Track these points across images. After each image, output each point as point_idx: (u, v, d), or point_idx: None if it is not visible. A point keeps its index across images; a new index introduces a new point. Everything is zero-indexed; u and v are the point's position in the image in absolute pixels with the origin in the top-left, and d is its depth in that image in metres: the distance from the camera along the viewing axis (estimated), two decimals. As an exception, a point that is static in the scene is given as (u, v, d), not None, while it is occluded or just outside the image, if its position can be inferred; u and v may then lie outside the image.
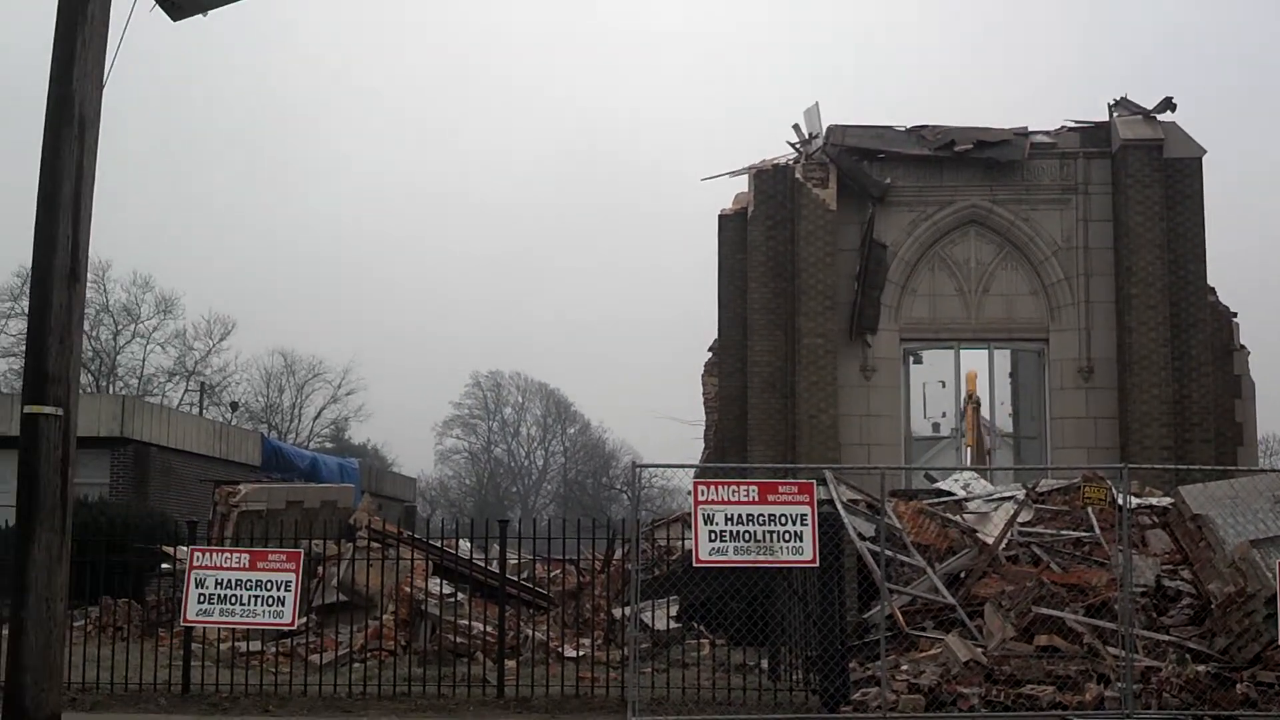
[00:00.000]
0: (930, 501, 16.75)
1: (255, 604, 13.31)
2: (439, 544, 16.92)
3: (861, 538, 14.27)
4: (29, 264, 10.70)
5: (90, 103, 10.68)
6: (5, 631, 10.86)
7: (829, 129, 23.52)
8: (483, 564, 16.60)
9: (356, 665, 14.50)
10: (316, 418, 73.06)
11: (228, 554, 13.82)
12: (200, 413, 54.95)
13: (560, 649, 14.74)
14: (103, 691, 13.25)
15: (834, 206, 22.76)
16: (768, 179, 23.32)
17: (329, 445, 67.39)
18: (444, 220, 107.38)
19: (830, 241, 22.69)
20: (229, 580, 13.35)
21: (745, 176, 23.87)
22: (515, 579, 16.45)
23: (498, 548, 14.71)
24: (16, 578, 10.27)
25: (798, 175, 22.95)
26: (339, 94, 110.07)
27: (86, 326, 48.86)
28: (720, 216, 24.14)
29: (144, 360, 65.21)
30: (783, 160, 23.59)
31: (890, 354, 23.06)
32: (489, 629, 15.04)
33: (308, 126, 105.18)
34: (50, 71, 10.62)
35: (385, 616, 15.77)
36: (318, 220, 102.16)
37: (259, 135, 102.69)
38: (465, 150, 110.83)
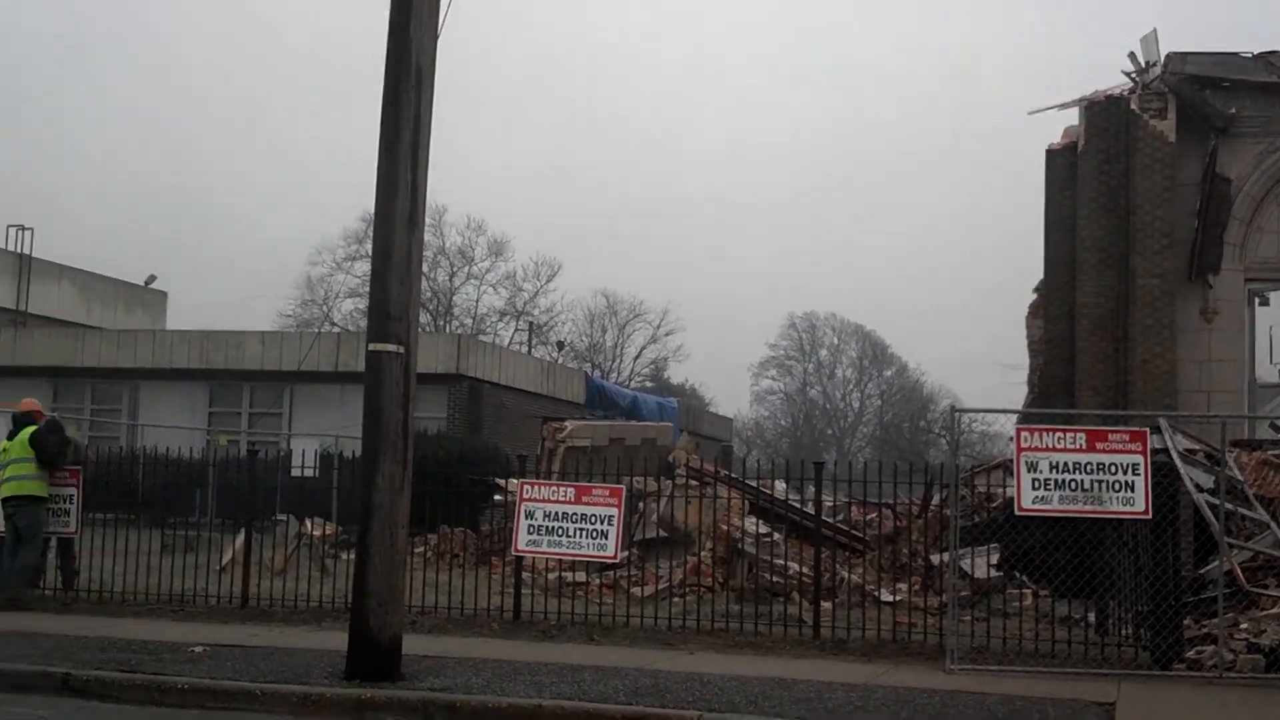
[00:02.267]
0: (1276, 452, 15.71)
1: (580, 536, 13.79)
2: (755, 484, 17.07)
3: (1199, 489, 13.52)
4: (373, 209, 11.30)
5: (426, 53, 11.12)
6: (352, 556, 11.65)
7: (1168, 57, 22.15)
8: (798, 505, 16.64)
9: (675, 599, 14.83)
10: (637, 357, 74.86)
11: (555, 487, 14.37)
12: (529, 351, 57.13)
13: (876, 593, 14.66)
14: (440, 615, 14.03)
15: (1173, 139, 21.47)
16: (1100, 111, 22.18)
17: (649, 384, 68.93)
18: (761, 162, 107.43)
19: (1168, 176, 21.43)
20: (556, 513, 13.87)
21: (1075, 109, 22.78)
22: (830, 521, 16.42)
23: (813, 489, 14.73)
24: (362, 505, 10.96)
25: (1133, 106, 21.74)
26: (663, 44, 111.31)
27: (425, 268, 51.48)
28: (1048, 151, 23.17)
29: (477, 301, 68.35)
30: (1117, 91, 22.39)
31: (1233, 295, 21.67)
32: (804, 570, 15.10)
33: (627, 72, 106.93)
34: (389, 24, 11.12)
35: (703, 553, 16.06)
36: (640, 162, 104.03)
37: (583, 82, 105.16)
38: (776, 92, 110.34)
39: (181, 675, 10.67)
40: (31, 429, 15.17)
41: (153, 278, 57.00)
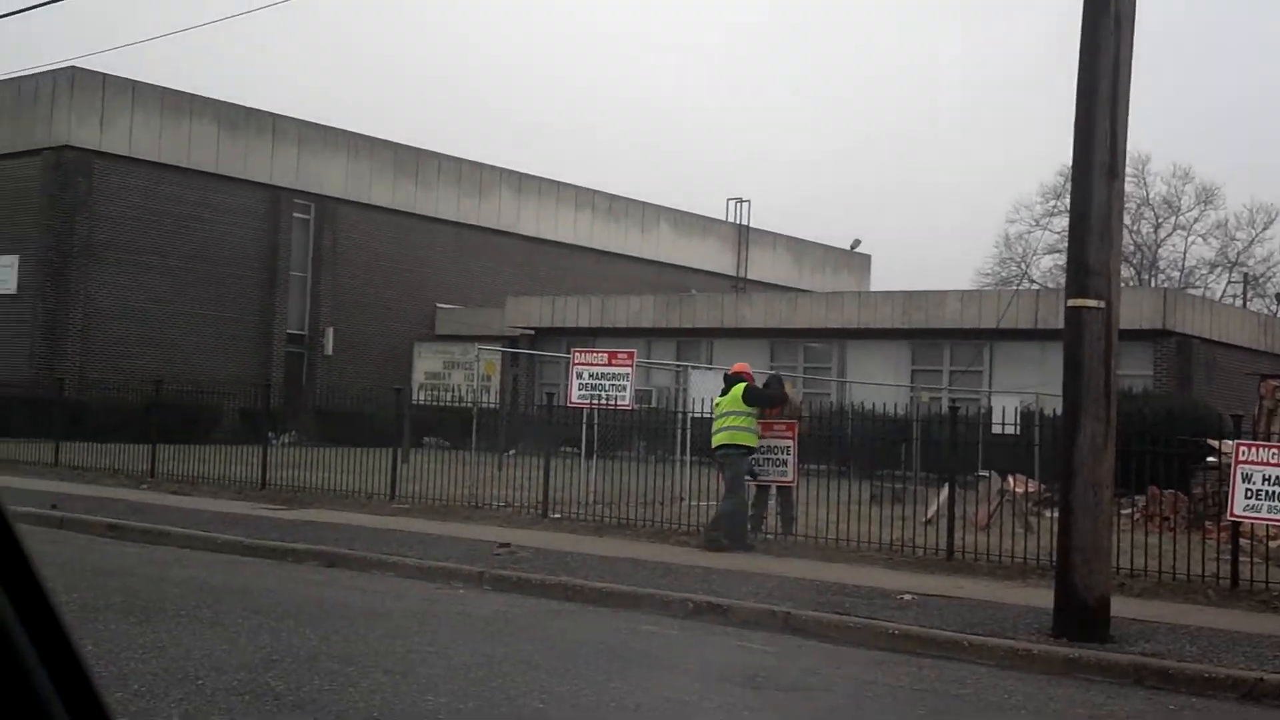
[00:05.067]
0: None
1: (1310, 503, 12.77)
2: None
3: None
4: (1069, 162, 11.12)
5: (1126, -4, 10.74)
6: (1055, 514, 11.58)
7: None
8: None
9: None
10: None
11: (1275, 449, 13.40)
12: (1243, 304, 53.22)
13: None
14: (1149, 580, 13.52)
15: None
16: None
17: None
18: None
19: None
20: (1276, 476, 12.94)
21: None
22: None
23: None
24: (1063, 463, 10.88)
25: None
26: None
27: (1126, 220, 49.73)
28: None
29: (1184, 253, 64.68)
30: None
31: None
32: None
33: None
34: (1087, -32, 10.85)
35: None
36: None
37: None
38: None
39: (891, 621, 11.15)
40: (742, 385, 16.27)
41: (857, 241, 59.58)
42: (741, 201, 53.39)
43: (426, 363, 38.82)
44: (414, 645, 9.62)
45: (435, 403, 28.20)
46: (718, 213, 53.86)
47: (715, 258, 52.78)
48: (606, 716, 7.78)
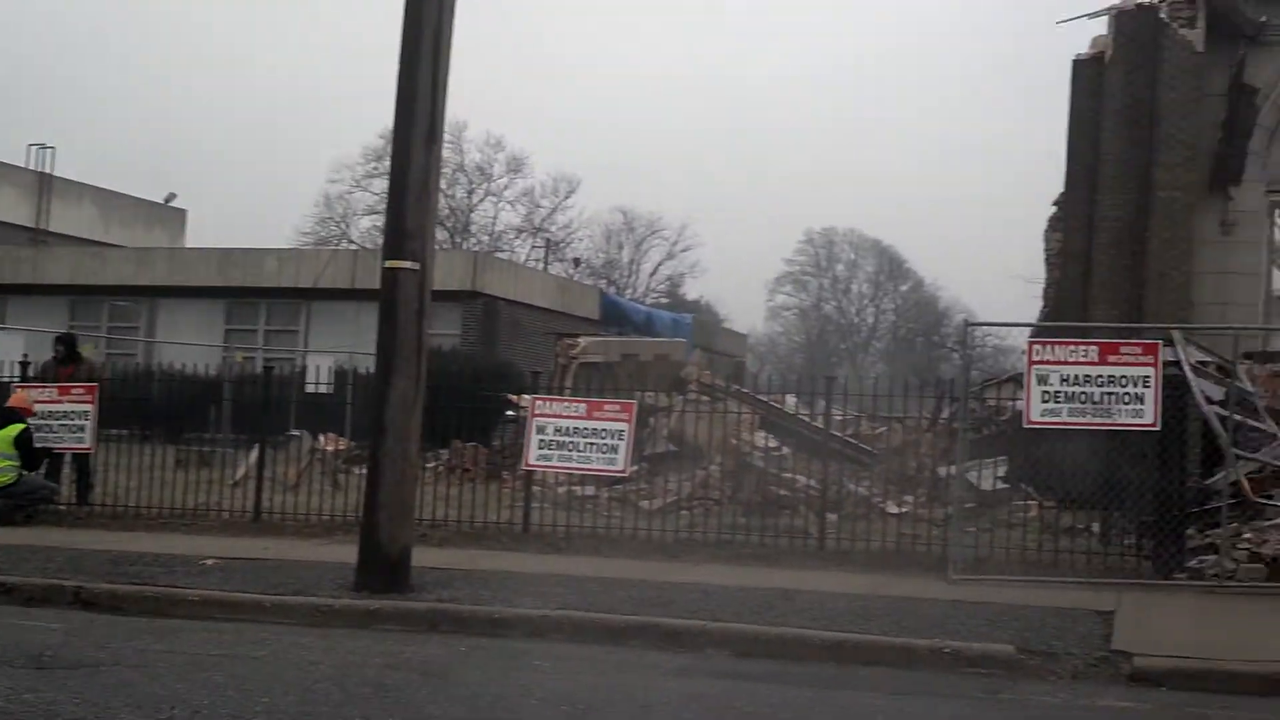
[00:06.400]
0: (1289, 365, 15.62)
1: (591, 451, 13.87)
2: (766, 399, 17.08)
3: (1209, 401, 13.47)
4: (392, 126, 11.16)
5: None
6: (365, 471, 11.71)
7: (1201, -38, 21.65)
8: (808, 419, 16.67)
9: (683, 513, 14.91)
10: (653, 274, 74.78)
11: (566, 403, 14.45)
12: (545, 268, 57.07)
13: (883, 505, 14.72)
14: (450, 529, 14.12)
15: (1201, 48, 20.95)
16: (1129, 20, 21.61)
17: (664, 300, 68.84)
18: (783, 80, 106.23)
19: (1195, 86, 20.95)
20: (567, 428, 13.95)
21: (1105, 19, 22.31)
22: (839, 435, 16.45)
23: (824, 403, 14.75)
24: (375, 421, 11.01)
25: (1162, 15, 21.18)
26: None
27: (443, 185, 51.46)
28: (1074, 62, 22.65)
29: (495, 218, 68.28)
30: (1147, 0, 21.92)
31: (1254, 207, 21.42)
32: (812, 483, 15.16)
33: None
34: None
35: (712, 467, 16.12)
36: (661, 80, 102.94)
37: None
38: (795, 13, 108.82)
39: (192, 588, 10.81)
40: (19, 428, 14.94)
41: (172, 195, 56.88)
42: (45, 148, 49.29)
43: None
44: None
45: None
46: (18, 160, 49.31)
47: (12, 209, 48.34)
48: None
